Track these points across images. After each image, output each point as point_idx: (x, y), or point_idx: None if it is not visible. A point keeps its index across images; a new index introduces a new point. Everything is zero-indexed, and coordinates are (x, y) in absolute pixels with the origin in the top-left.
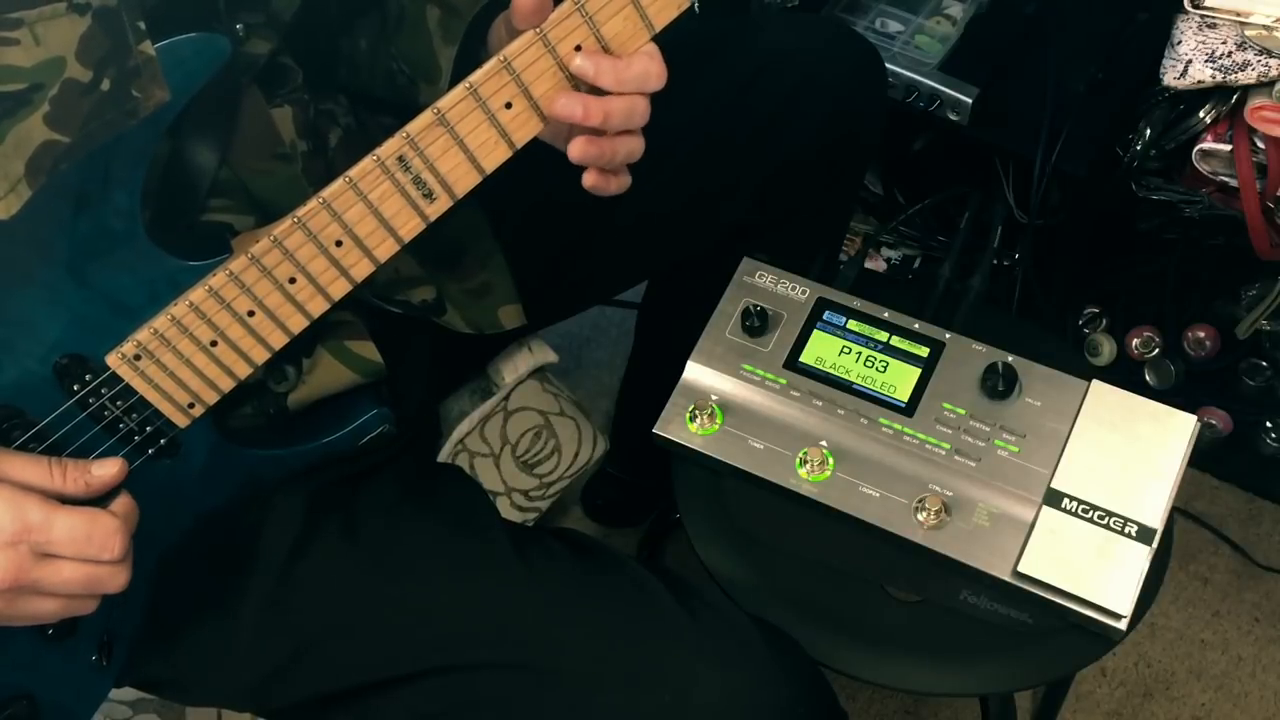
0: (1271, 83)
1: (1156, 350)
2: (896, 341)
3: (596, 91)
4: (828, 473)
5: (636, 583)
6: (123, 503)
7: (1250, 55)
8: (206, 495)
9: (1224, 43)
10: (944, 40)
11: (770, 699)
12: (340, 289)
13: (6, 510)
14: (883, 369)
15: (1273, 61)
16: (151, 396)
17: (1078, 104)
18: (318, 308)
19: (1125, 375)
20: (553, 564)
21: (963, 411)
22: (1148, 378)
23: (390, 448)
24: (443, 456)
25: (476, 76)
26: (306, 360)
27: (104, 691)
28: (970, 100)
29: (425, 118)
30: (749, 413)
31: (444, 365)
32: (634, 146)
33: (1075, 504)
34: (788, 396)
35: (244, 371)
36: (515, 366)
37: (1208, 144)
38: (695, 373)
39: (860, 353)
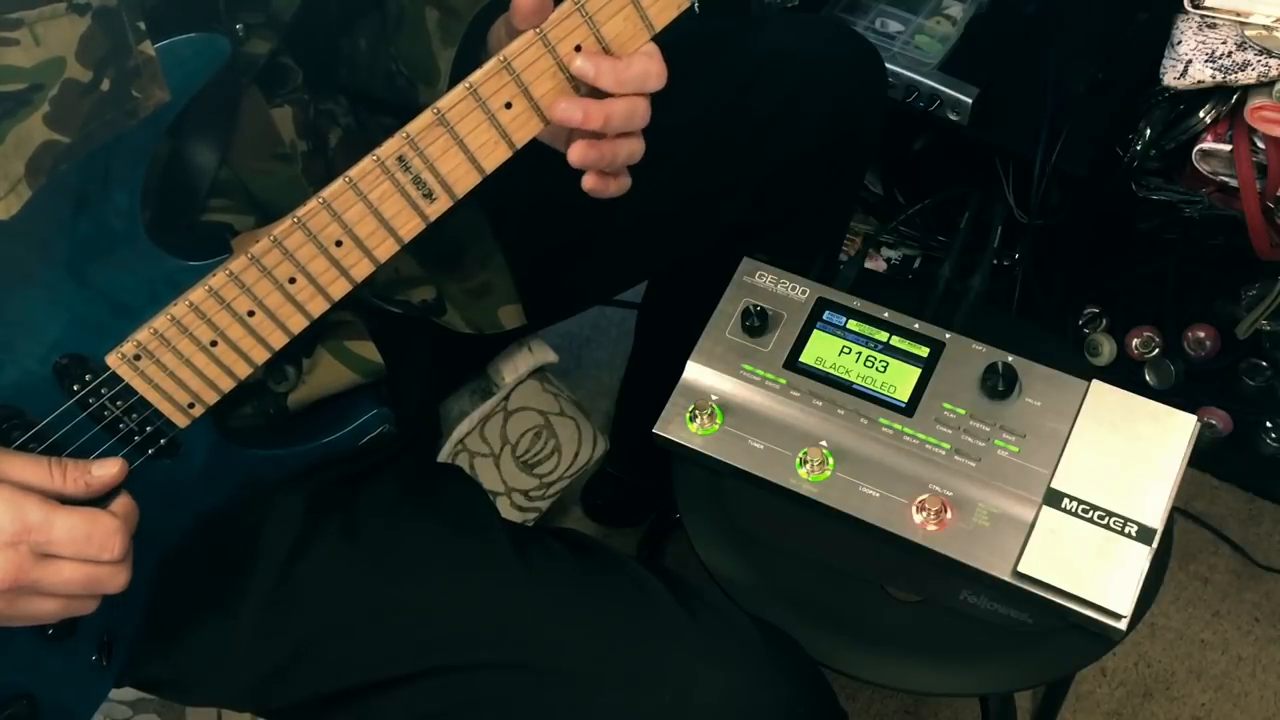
0: (1271, 83)
1: (1156, 350)
2: (896, 341)
3: (596, 93)
4: (828, 473)
5: (636, 583)
6: (123, 503)
7: (1250, 55)
8: (206, 495)
9: (1224, 43)
10: (944, 40)
11: (770, 699)
12: (340, 289)
13: (6, 510)
14: (883, 369)
15: (1273, 61)
16: (151, 396)
17: (1078, 104)
18: (318, 308)
19: (1125, 375)
20: (553, 564)
21: (963, 411)
22: (1148, 378)
23: (390, 448)
24: (443, 456)
25: (476, 76)
26: (306, 360)
27: (104, 691)
28: (970, 100)
29: (425, 118)
30: (749, 413)
31: (444, 365)
32: (634, 149)
33: (1075, 504)
34: (788, 396)
35: (244, 371)
36: (515, 366)
37: (1208, 144)
38: (695, 373)
39: (860, 353)
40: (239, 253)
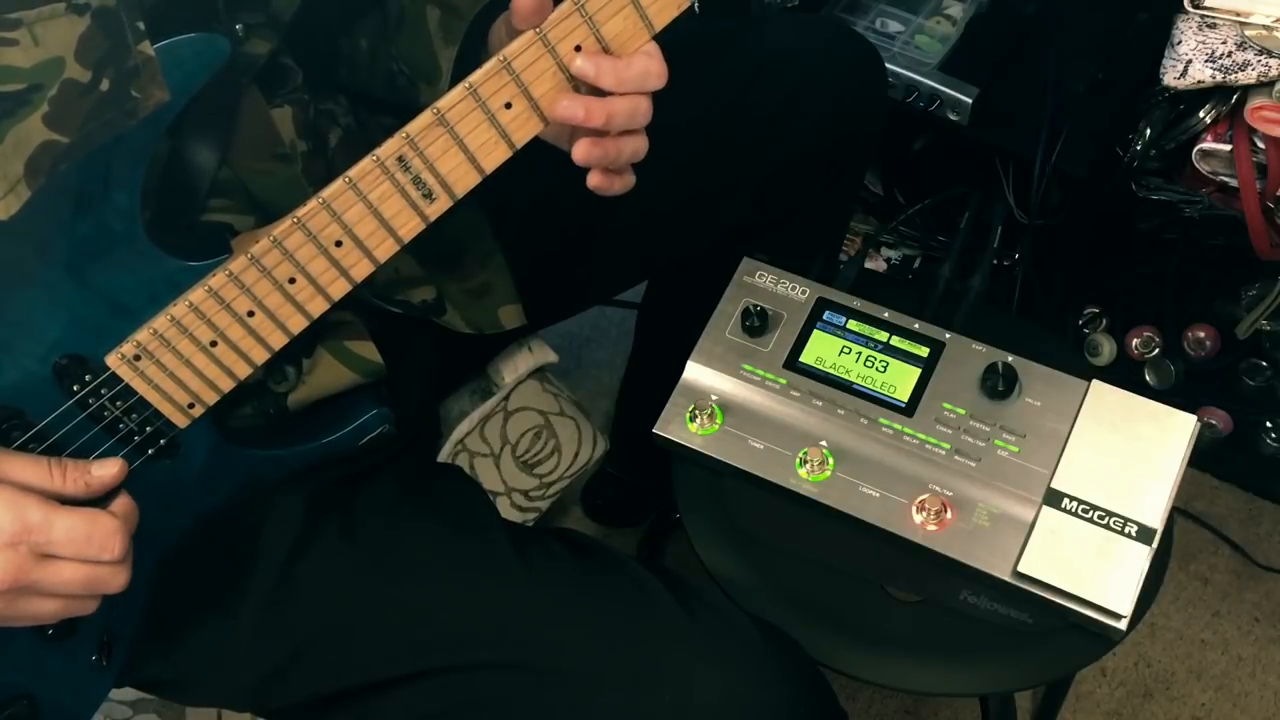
0: (1271, 83)
1: (1156, 350)
2: (896, 341)
3: (597, 92)
4: (828, 473)
5: (636, 583)
6: (122, 503)
7: (1250, 55)
8: (206, 495)
9: (1224, 43)
10: (944, 40)
11: (770, 699)
12: (340, 289)
13: (6, 511)
14: (883, 369)
15: (1273, 61)
16: (151, 397)
17: (1078, 104)
18: (318, 308)
19: (1125, 375)
20: (553, 564)
21: (963, 411)
22: (1148, 378)
23: (390, 448)
24: (443, 456)
25: (476, 76)
26: (306, 360)
27: (104, 691)
28: (970, 100)
29: (425, 118)
30: (749, 413)
31: (444, 365)
32: (638, 146)
33: (1075, 504)
34: (788, 396)
35: (244, 372)
36: (515, 366)
37: (1208, 144)
38: (695, 373)
39: (860, 353)
40: (239, 253)
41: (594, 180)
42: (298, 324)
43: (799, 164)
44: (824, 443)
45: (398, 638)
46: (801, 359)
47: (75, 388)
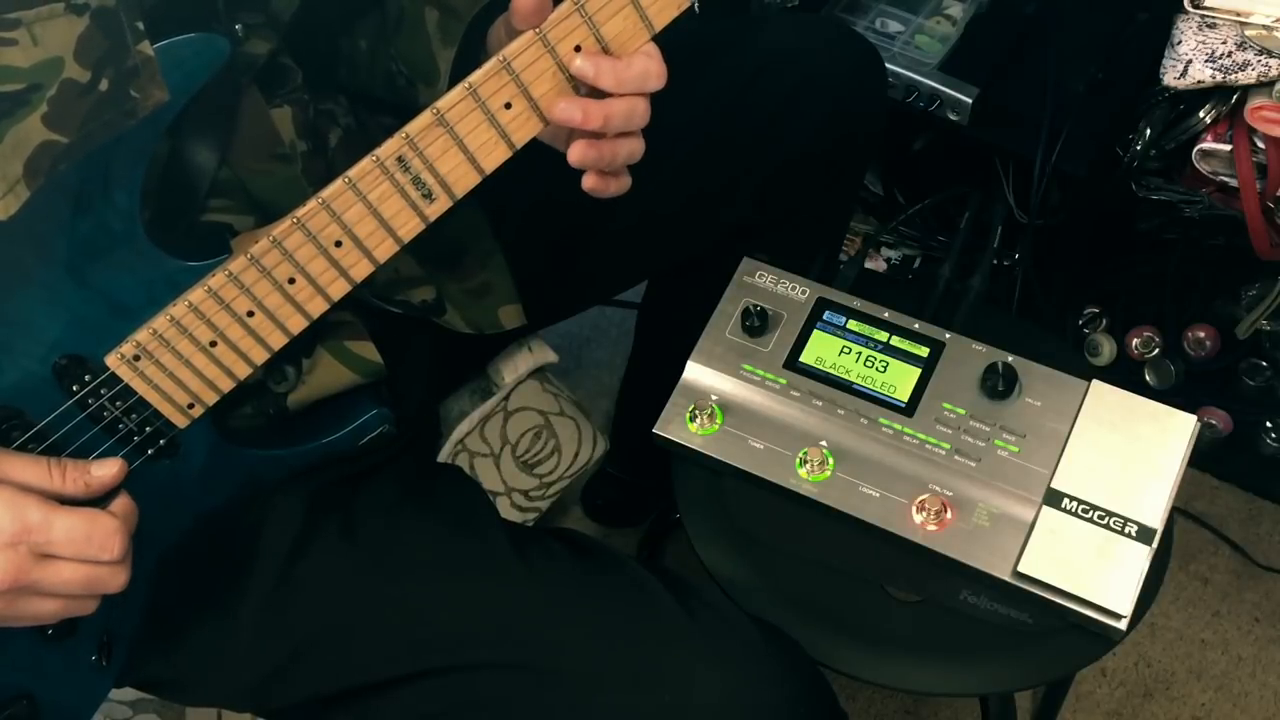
0: (1271, 83)
1: (1156, 350)
2: (896, 341)
3: (596, 93)
4: (828, 473)
5: (636, 583)
6: (122, 503)
7: (1250, 55)
8: (206, 495)
9: (1224, 43)
10: (944, 40)
11: (770, 699)
12: (340, 289)
13: (6, 511)
14: (883, 369)
15: (1273, 61)
16: (151, 397)
17: (1078, 104)
18: (317, 308)
19: (1125, 375)
20: (553, 564)
21: (963, 411)
22: (1148, 378)
23: (390, 448)
24: (443, 456)
25: (476, 77)
26: (306, 360)
27: (104, 691)
28: (970, 100)
29: (425, 118)
30: (749, 413)
31: (444, 365)
32: (634, 148)
33: (1075, 504)
34: (788, 396)
35: (243, 372)
36: (515, 366)
37: (1208, 144)
38: (695, 373)
39: (860, 353)
40: (238, 253)
41: (589, 182)
42: (297, 324)
43: (799, 164)
44: (824, 443)
45: (398, 638)
46: (801, 359)
47: (75, 388)
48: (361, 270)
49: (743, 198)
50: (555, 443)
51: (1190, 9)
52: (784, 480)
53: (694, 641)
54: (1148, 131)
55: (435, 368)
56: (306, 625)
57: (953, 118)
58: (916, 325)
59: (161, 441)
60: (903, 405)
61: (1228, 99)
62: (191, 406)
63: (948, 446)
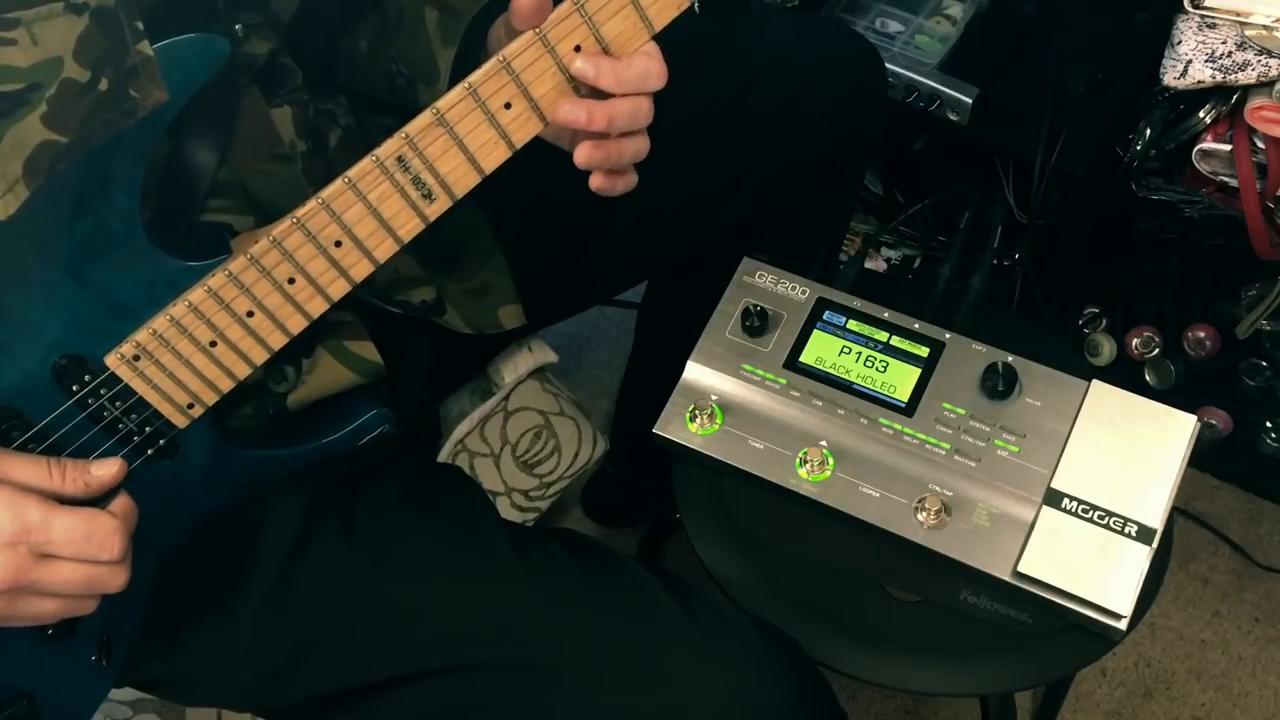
0: (1271, 83)
1: (1156, 350)
2: (896, 341)
3: (598, 93)
4: (828, 473)
5: (636, 583)
6: (122, 503)
7: (1250, 55)
8: (206, 495)
9: (1224, 43)
10: (944, 40)
11: (770, 699)
12: (340, 289)
13: (6, 511)
14: (883, 369)
15: (1273, 61)
16: (151, 397)
17: (1078, 104)
18: (317, 308)
19: (1125, 375)
20: (553, 564)
21: (963, 411)
22: (1148, 378)
23: (390, 448)
24: (443, 456)
25: (476, 77)
26: (306, 360)
27: (104, 691)
28: (970, 100)
29: (424, 118)
30: (749, 413)
31: (444, 365)
32: (639, 146)
33: (1075, 504)
34: (788, 396)
35: (243, 372)
36: (515, 366)
37: (1208, 144)
38: (695, 373)
39: (860, 353)
40: (238, 253)
41: (596, 182)
42: (297, 324)
43: (799, 164)
44: (824, 443)
45: (398, 638)
46: (801, 359)
47: (74, 388)
48: (361, 270)
49: (743, 198)
50: (555, 443)
51: (1190, 9)
52: (784, 480)
53: (694, 642)
54: (1148, 131)
55: (435, 368)
56: (306, 625)
57: (953, 118)
58: (916, 325)
59: (161, 441)
60: (903, 405)
61: (1228, 99)
62: (191, 406)
63: (948, 446)
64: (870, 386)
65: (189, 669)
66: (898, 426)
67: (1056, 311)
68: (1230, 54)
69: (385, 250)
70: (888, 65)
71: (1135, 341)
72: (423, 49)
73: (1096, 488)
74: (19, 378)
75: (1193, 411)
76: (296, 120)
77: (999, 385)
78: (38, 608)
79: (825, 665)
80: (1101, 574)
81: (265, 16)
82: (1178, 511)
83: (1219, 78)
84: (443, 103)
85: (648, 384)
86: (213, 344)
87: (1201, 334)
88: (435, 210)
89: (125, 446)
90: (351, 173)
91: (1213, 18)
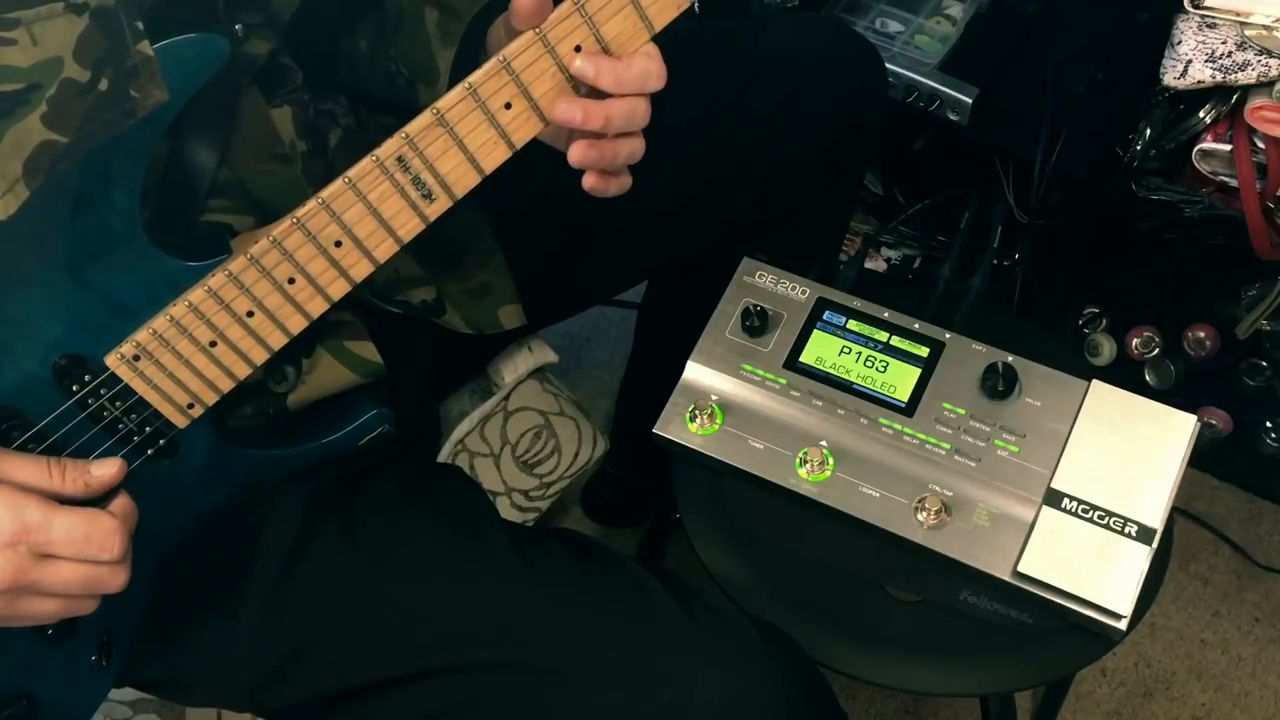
0: (1271, 83)
1: (1156, 350)
2: (896, 341)
3: (596, 93)
4: (828, 473)
5: (636, 583)
6: (121, 503)
7: (1250, 55)
8: (206, 495)
9: (1224, 43)
10: (944, 40)
11: (770, 699)
12: (340, 289)
13: (6, 511)
14: (883, 369)
15: (1273, 61)
16: (151, 397)
17: (1078, 104)
18: (317, 308)
19: (1125, 375)
20: (553, 564)
21: (963, 411)
22: (1148, 378)
23: (390, 448)
24: (443, 456)
25: (476, 77)
26: (306, 360)
27: (104, 691)
28: (970, 100)
29: (424, 118)
30: (749, 413)
31: (444, 365)
32: (634, 148)
33: (1075, 504)
34: (788, 396)
35: (243, 372)
36: (515, 366)
37: (1208, 144)
38: (695, 373)
39: (860, 353)
40: (238, 253)
41: (589, 182)
42: (297, 324)
43: (799, 164)
44: (824, 443)
45: (398, 638)
46: (801, 359)
47: (74, 388)
48: (361, 270)
49: (743, 198)
50: (555, 443)
51: (1190, 9)
52: (784, 480)
53: (694, 642)
54: (1148, 131)
55: (435, 368)
56: (306, 625)
57: (953, 118)
58: (916, 325)
59: (161, 441)
60: (903, 405)
61: (1228, 99)
62: (191, 406)
63: (948, 446)
64: (870, 386)
65: (189, 669)
66: (898, 426)
67: (1056, 311)
68: (1230, 54)
69: (385, 250)
70: (888, 65)
71: (1135, 341)
72: (422, 49)
73: (1096, 488)
74: (19, 378)
75: (1193, 411)
76: (296, 120)
77: (999, 385)
78: (38, 608)
79: (825, 665)
80: (1101, 574)
81: (265, 16)
82: (1178, 511)
83: (1219, 78)
84: (443, 103)
85: (648, 384)
86: (213, 344)
87: (1201, 334)
88: (435, 210)
89: (125, 446)
90: (351, 173)
91: (1213, 18)
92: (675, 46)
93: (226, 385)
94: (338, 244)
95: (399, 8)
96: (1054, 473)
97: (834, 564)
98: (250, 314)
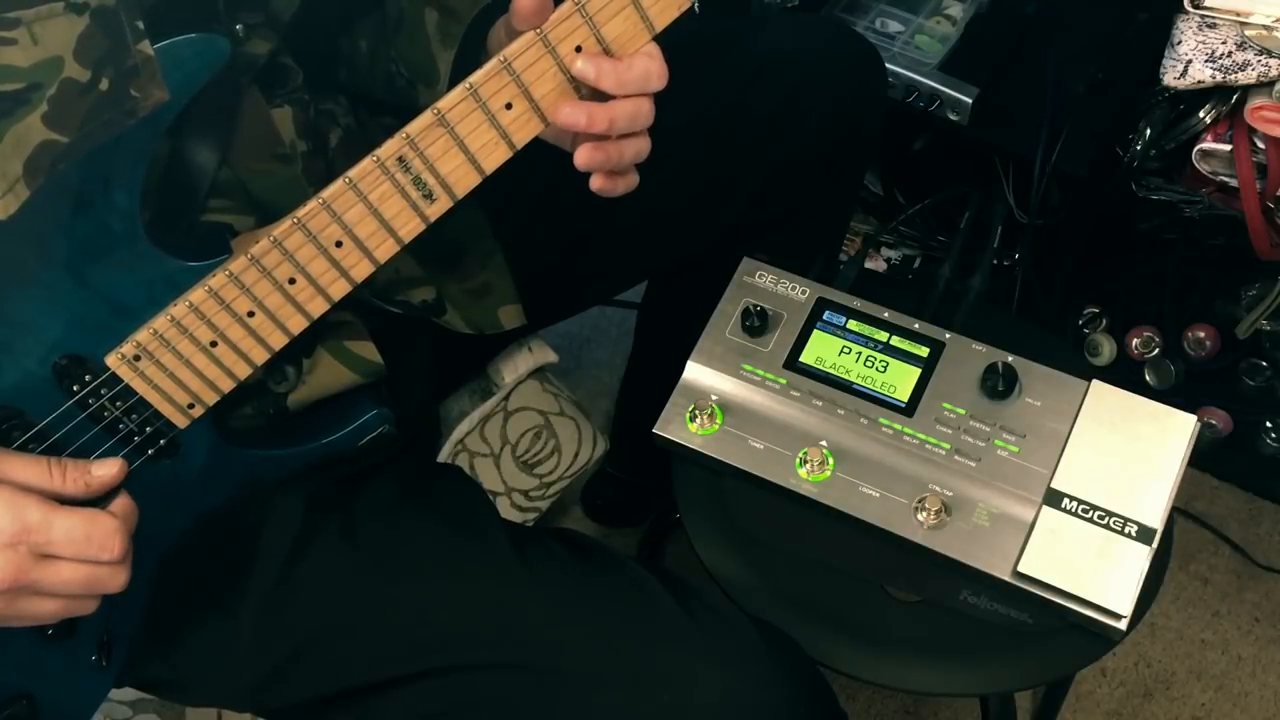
0: (1271, 83)
1: (1156, 350)
2: (896, 341)
3: (598, 93)
4: (828, 473)
5: (636, 583)
6: (122, 503)
7: (1250, 55)
8: (206, 495)
9: (1224, 43)
10: (944, 40)
11: (770, 699)
12: (340, 290)
13: (6, 511)
14: (883, 369)
15: (1273, 61)
16: (151, 397)
17: (1078, 104)
18: (318, 308)
19: (1125, 375)
20: (552, 564)
21: (963, 411)
22: (1148, 378)
23: (390, 448)
24: (443, 456)
25: (477, 77)
26: (306, 360)
27: (104, 691)
28: (970, 100)
29: (425, 118)
30: (749, 413)
31: (444, 365)
32: (640, 147)
33: (1075, 504)
34: (788, 396)
35: (244, 372)
36: (515, 366)
37: (1208, 144)
38: (695, 373)
39: (860, 353)
40: (239, 253)
41: (597, 183)
42: (298, 324)
43: (799, 164)
44: (824, 443)
45: (398, 638)
46: (801, 359)
47: (75, 388)
48: (362, 271)
49: (743, 198)
50: (555, 443)
51: (1190, 9)
52: (784, 480)
53: (694, 642)
54: (1148, 131)
55: (435, 368)
56: (306, 625)
57: (953, 118)
58: (916, 325)
59: (162, 441)
60: (903, 405)
61: (1228, 99)
62: (192, 407)
63: (948, 446)
64: (870, 386)
65: (189, 669)
66: (898, 426)
67: (1056, 311)
68: (1230, 54)
69: (386, 250)
70: (888, 65)
71: (1135, 341)
72: (422, 50)
73: (1096, 488)
74: (19, 378)
75: (1193, 411)
76: (297, 120)
77: (999, 385)
78: (38, 608)
79: (825, 665)
80: (1101, 574)
81: (265, 16)
82: (1178, 511)
83: (1219, 78)
84: (443, 103)
85: (648, 384)
86: (213, 344)
87: (1201, 334)
88: (436, 210)
89: (125, 446)
90: (352, 173)
91: (1213, 18)
92: (675, 47)
93: (227, 385)
94: (338, 244)
95: (399, 8)
96: (1054, 473)
97: (834, 564)
98: (251, 314)
